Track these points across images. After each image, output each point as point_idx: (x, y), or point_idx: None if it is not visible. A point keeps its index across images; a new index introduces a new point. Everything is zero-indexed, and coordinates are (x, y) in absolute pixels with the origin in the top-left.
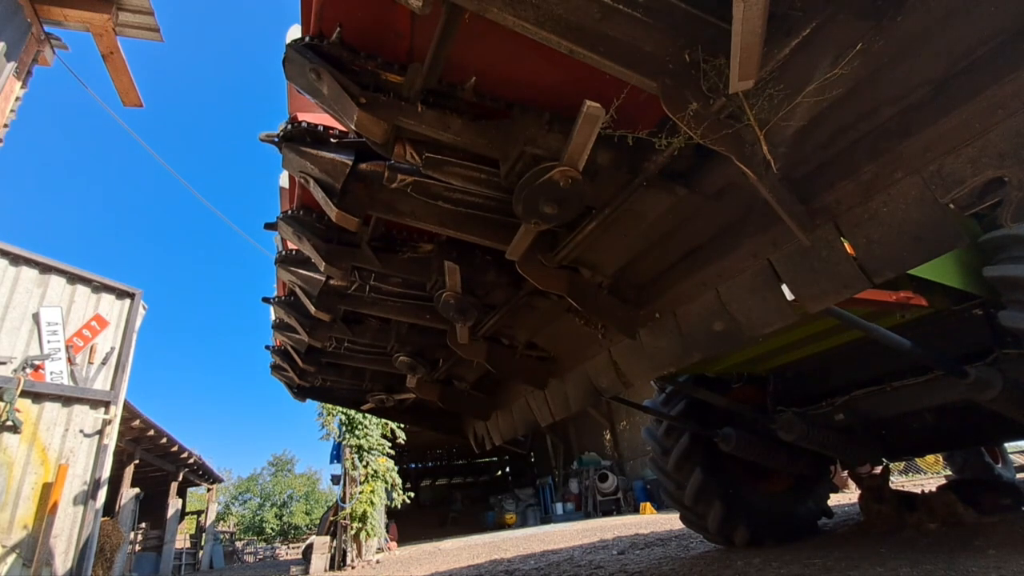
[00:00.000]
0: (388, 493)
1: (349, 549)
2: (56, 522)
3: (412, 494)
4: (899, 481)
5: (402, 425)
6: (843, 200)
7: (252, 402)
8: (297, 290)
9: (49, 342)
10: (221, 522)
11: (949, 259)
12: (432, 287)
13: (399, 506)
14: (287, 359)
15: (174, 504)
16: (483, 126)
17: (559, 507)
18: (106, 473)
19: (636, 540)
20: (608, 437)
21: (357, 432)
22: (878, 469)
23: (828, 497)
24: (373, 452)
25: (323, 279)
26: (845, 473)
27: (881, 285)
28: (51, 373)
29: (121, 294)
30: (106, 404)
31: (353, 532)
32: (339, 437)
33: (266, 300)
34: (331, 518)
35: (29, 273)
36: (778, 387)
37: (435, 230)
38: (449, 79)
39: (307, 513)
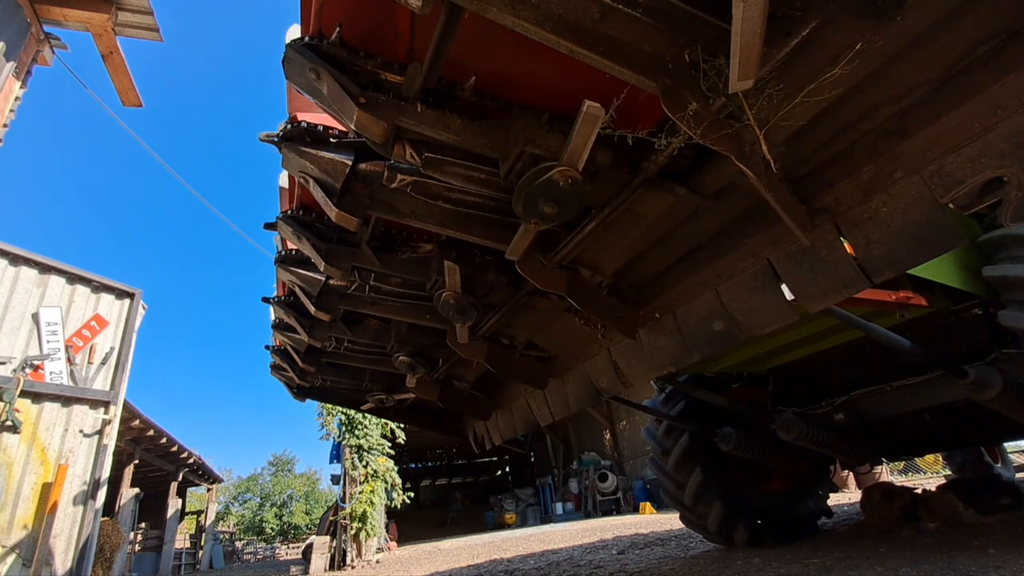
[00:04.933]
0: (388, 493)
1: (349, 549)
2: (56, 522)
3: (412, 494)
4: (899, 481)
5: (402, 425)
6: (843, 200)
7: (252, 402)
8: (297, 290)
9: (48, 342)
10: (221, 522)
11: (949, 259)
12: (432, 287)
13: (399, 506)
14: (287, 359)
15: (174, 504)
16: (483, 126)
17: (559, 507)
18: (106, 473)
19: (636, 540)
20: (608, 437)
21: (357, 432)
22: (879, 471)
23: (828, 497)
24: (373, 452)
25: (323, 279)
26: (846, 473)
27: (881, 285)
28: (51, 373)
29: (121, 294)
30: (106, 404)
31: (353, 532)
32: (339, 437)
33: (266, 300)
34: (331, 518)
35: (28, 273)
36: (778, 387)
37: (435, 230)
38: (449, 79)
39: (307, 513)
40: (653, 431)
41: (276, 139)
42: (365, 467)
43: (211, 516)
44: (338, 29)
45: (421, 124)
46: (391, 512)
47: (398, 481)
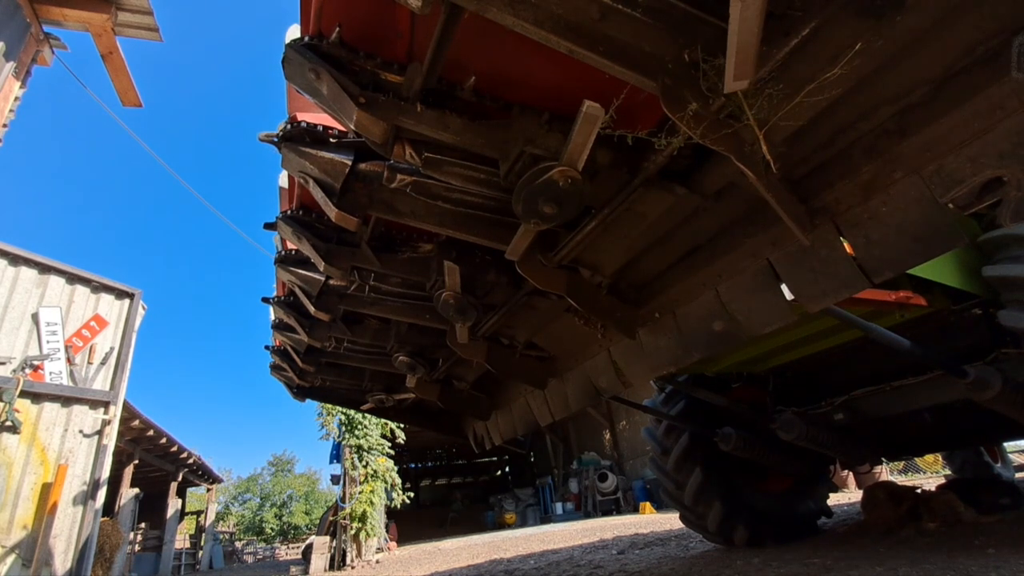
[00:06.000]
0: (388, 493)
1: (349, 549)
2: (55, 522)
3: (412, 494)
4: (899, 481)
5: (402, 425)
6: (843, 200)
7: (252, 402)
8: (297, 290)
9: (48, 342)
10: (221, 522)
11: (948, 259)
12: (432, 287)
13: (399, 506)
14: (287, 359)
15: (174, 504)
16: (482, 126)
17: (559, 507)
18: (106, 473)
19: (636, 540)
20: (608, 437)
21: (357, 432)
22: (879, 471)
23: (828, 497)
24: (373, 452)
25: (322, 279)
26: (846, 473)
27: (880, 285)
28: (50, 373)
29: (120, 294)
30: (105, 404)
31: (353, 532)
32: (339, 437)
33: (265, 300)
34: (331, 518)
35: (28, 273)
36: (778, 387)
37: (435, 230)
38: (448, 79)
39: (307, 513)
40: (653, 431)
41: (276, 139)
42: (365, 467)
43: (211, 516)
44: (338, 29)
45: (421, 124)
46: (391, 512)
47: (398, 481)
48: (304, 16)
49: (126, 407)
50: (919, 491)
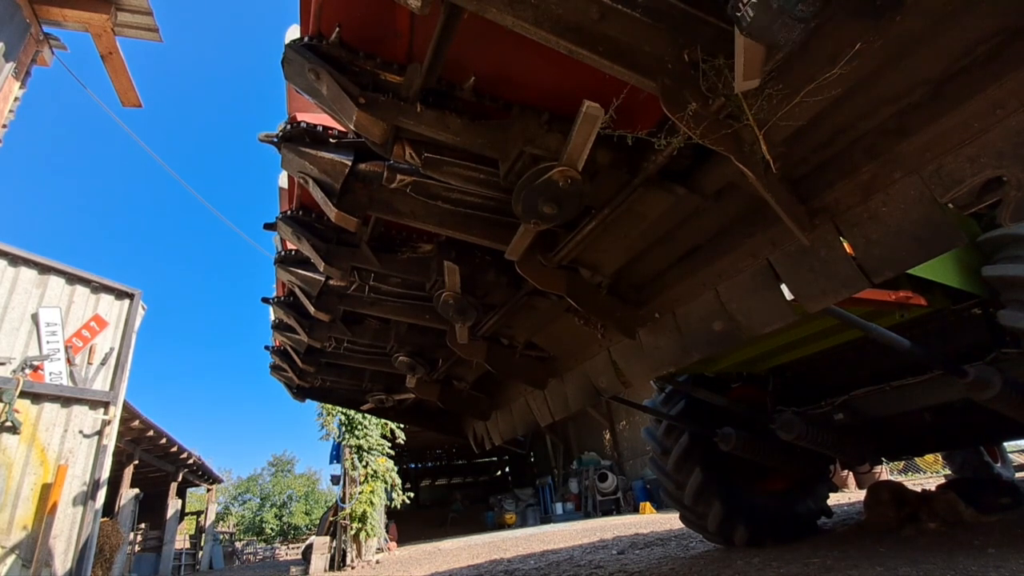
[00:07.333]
0: (388, 493)
1: (349, 549)
2: (55, 523)
3: (412, 494)
4: (898, 480)
5: (402, 425)
6: (842, 200)
7: (252, 402)
8: (296, 290)
9: (48, 342)
10: (221, 522)
11: (948, 259)
12: (432, 287)
13: (399, 506)
14: (287, 359)
15: (174, 505)
16: (482, 126)
17: (559, 507)
18: (105, 474)
19: (636, 540)
20: (608, 437)
21: (357, 432)
22: (879, 471)
23: (828, 496)
24: (373, 452)
25: (322, 279)
26: (846, 473)
27: (880, 285)
28: (50, 374)
29: (120, 294)
30: (105, 404)
31: (353, 532)
32: (339, 437)
33: (265, 300)
34: (331, 518)
35: (28, 273)
36: (778, 387)
37: (434, 230)
38: (448, 79)
39: (307, 513)
40: (653, 431)
41: (276, 139)
42: (365, 467)
43: (211, 516)
44: (337, 29)
45: (421, 124)
46: (391, 512)
47: (398, 481)
48: (304, 16)
49: (126, 407)
50: (917, 491)
